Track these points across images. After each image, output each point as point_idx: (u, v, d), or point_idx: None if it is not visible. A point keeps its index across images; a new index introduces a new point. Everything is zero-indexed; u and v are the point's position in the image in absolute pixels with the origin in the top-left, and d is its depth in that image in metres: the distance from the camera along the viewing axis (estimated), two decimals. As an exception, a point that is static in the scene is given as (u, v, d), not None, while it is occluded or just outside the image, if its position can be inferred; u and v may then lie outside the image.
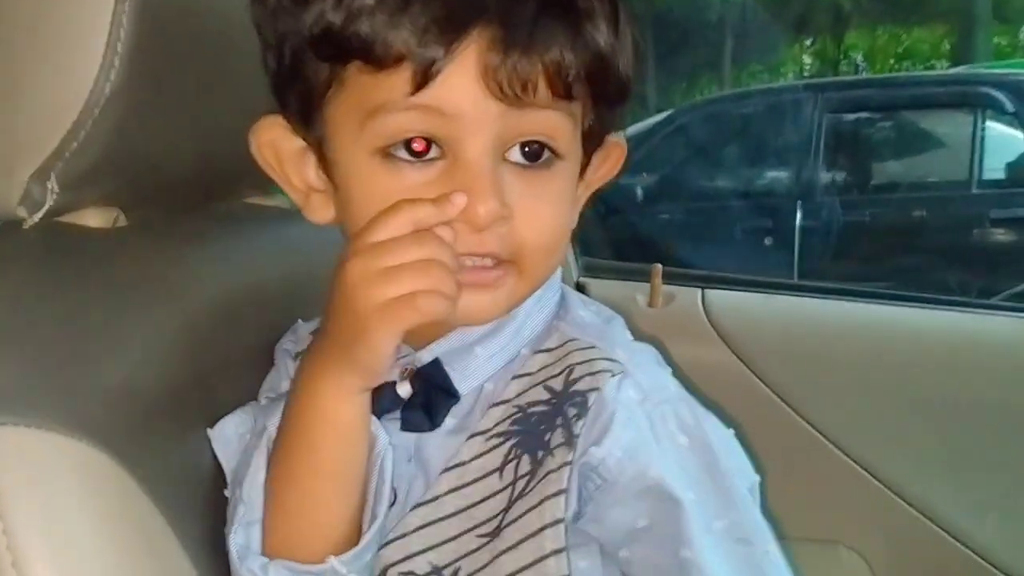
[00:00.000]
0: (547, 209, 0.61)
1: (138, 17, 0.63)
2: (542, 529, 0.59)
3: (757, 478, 0.64)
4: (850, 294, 1.37)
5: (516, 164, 0.59)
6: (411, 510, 0.63)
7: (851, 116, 4.00)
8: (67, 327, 0.63)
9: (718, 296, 1.28)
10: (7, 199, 0.66)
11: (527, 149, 0.60)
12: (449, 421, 0.64)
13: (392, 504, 0.63)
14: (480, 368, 0.64)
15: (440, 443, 0.64)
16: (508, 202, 0.58)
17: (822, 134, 3.72)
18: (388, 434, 0.63)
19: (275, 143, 0.64)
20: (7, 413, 0.56)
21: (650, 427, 0.61)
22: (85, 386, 0.61)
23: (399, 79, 0.56)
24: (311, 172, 0.64)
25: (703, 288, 1.28)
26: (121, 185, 0.72)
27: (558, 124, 0.60)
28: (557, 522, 0.59)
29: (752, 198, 3.83)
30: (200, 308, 0.73)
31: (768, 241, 3.58)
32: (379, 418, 0.64)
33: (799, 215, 3.48)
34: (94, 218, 0.71)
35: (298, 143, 0.63)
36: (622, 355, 0.63)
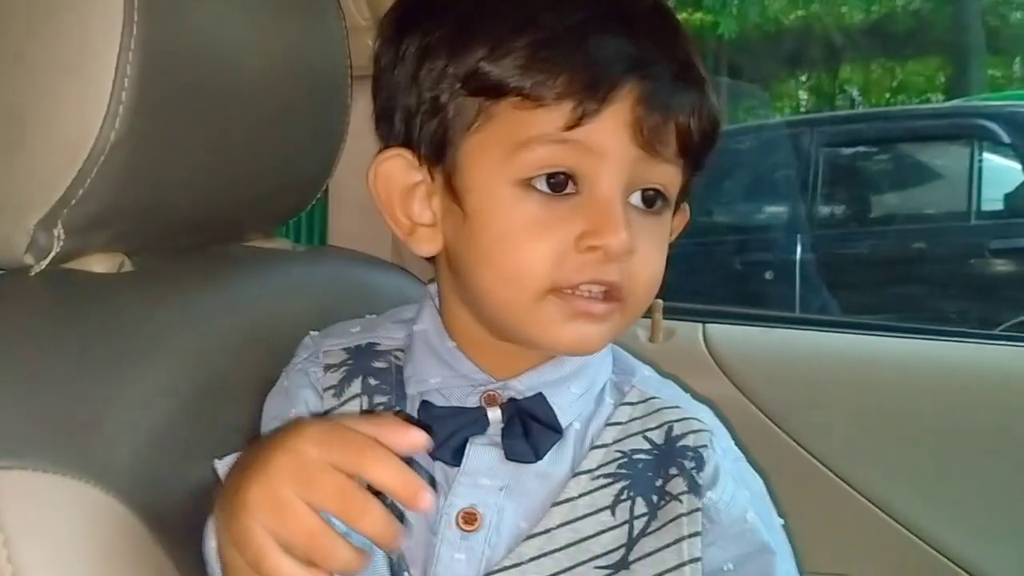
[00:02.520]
0: (657, 251, 0.67)
1: (142, 65, 0.64)
2: (681, 565, 0.65)
3: None
4: (850, 326, 1.37)
5: (635, 208, 0.65)
6: (525, 541, 0.66)
7: (848, 150, 4.02)
8: (74, 371, 0.64)
9: (719, 330, 1.28)
10: (14, 247, 0.67)
11: (645, 196, 0.66)
12: (548, 455, 0.68)
13: (477, 530, 0.66)
14: (573, 406, 0.69)
15: (538, 475, 0.67)
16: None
17: (819, 168, 3.74)
18: (474, 457, 0.66)
19: (390, 175, 0.68)
20: (15, 456, 0.57)
21: (733, 478, 0.69)
22: (93, 430, 0.62)
23: (555, 116, 0.61)
24: (416, 206, 0.68)
25: (704, 323, 1.29)
26: (126, 230, 0.73)
27: (675, 177, 0.66)
28: (695, 560, 0.65)
29: (752, 233, 3.85)
30: (205, 350, 0.74)
31: (769, 275, 3.58)
32: (465, 441, 0.66)
33: (799, 248, 3.49)
34: (99, 264, 0.72)
35: (412, 178, 0.68)
36: (705, 417, 0.71)
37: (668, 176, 0.66)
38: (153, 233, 0.77)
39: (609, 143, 0.62)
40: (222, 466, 0.66)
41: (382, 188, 0.68)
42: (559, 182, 0.63)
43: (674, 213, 0.71)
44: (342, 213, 1.19)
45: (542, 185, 0.63)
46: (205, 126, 0.74)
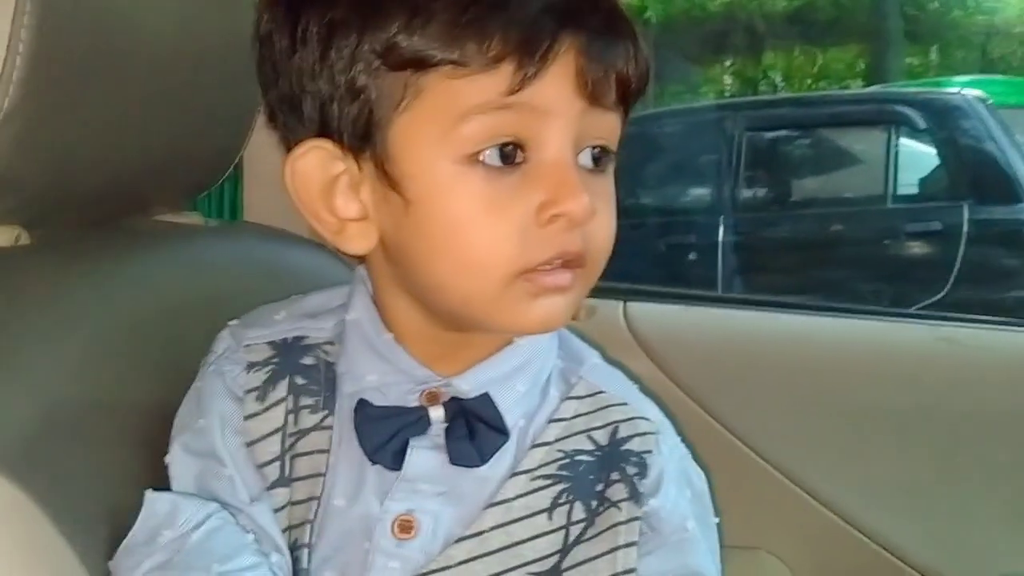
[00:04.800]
0: (609, 211, 0.63)
1: (37, 32, 0.61)
2: None
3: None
4: (770, 305, 1.39)
5: (584, 168, 0.61)
6: (455, 543, 0.63)
7: (770, 134, 4.11)
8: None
9: (640, 308, 1.29)
10: (-101, 218, 0.64)
11: (593, 154, 0.61)
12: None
13: (413, 538, 0.63)
14: (518, 404, 0.65)
15: (478, 478, 0.64)
16: None
17: (742, 152, 3.81)
18: (415, 463, 0.63)
19: (308, 172, 0.61)
20: None
21: (676, 481, 0.67)
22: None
23: (494, 80, 0.56)
24: (339, 200, 0.61)
25: (625, 300, 1.29)
26: (23, 202, 0.70)
27: (616, 127, 0.62)
28: (629, 571, 0.63)
29: (676, 215, 3.90)
30: (108, 328, 0.71)
31: (692, 256, 3.64)
32: (406, 443, 0.63)
33: (721, 231, 3.55)
34: (-7, 236, 0.69)
35: (332, 170, 0.61)
36: (652, 414, 0.68)
37: (612, 127, 0.62)
38: (53, 205, 0.74)
39: (555, 100, 0.58)
40: (151, 497, 0.62)
41: (301, 187, 0.61)
42: (509, 152, 0.58)
43: None
44: (257, 187, 1.16)
45: (491, 158, 0.57)
46: (106, 94, 0.71)
